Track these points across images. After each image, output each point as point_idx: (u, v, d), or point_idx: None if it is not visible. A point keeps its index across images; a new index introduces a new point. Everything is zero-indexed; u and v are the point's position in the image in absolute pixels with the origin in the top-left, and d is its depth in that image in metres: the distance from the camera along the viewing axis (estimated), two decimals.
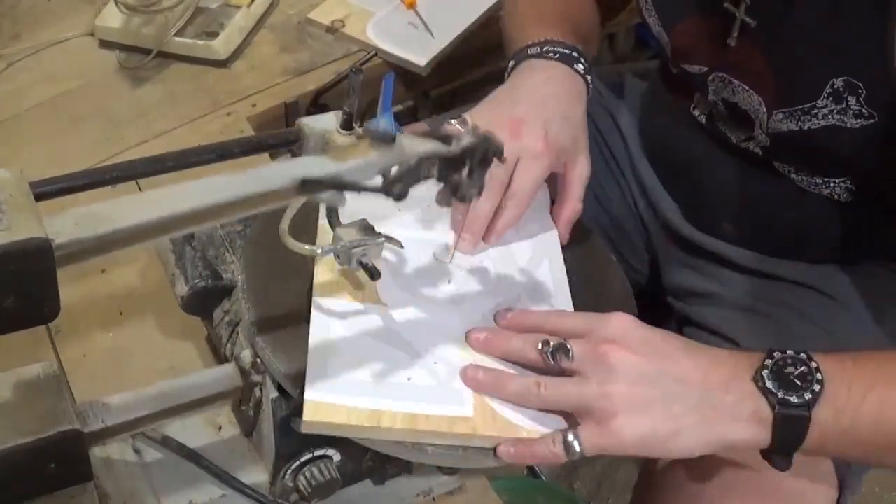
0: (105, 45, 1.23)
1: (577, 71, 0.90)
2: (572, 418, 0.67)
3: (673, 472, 0.90)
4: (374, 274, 0.68)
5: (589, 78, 0.92)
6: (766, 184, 0.95)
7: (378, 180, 0.62)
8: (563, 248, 0.83)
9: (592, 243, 0.88)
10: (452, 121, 0.83)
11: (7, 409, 0.62)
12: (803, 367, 0.65)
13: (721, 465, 0.86)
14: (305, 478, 0.72)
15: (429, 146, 0.64)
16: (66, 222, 0.52)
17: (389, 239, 0.72)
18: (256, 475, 0.74)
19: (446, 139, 0.65)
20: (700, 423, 0.65)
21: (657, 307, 1.07)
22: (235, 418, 0.77)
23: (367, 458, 0.75)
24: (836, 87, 0.80)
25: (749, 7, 0.84)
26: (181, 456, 0.73)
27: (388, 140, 0.62)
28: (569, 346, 0.67)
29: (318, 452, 0.72)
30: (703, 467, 0.87)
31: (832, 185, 0.91)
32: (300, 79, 1.21)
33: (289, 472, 0.73)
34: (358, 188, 0.61)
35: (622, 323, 0.68)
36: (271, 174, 0.60)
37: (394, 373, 0.68)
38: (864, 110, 0.80)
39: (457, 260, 0.79)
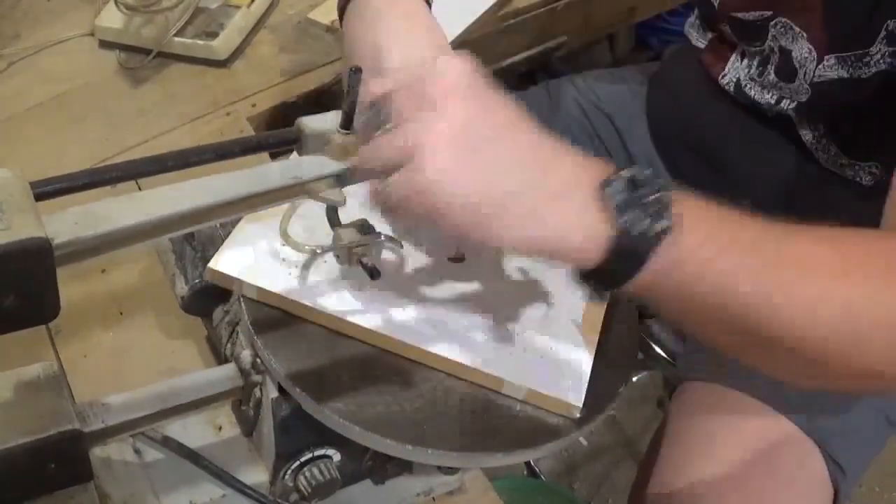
0: (105, 45, 1.23)
1: None
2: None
3: (667, 479, 0.90)
4: (373, 274, 0.68)
5: None
6: (790, 162, 0.94)
7: None
8: None
9: None
10: None
11: (7, 409, 0.62)
12: (659, 194, 0.53)
13: (715, 473, 0.87)
14: (305, 478, 0.72)
15: None
16: (65, 222, 0.52)
17: (389, 239, 0.72)
18: (256, 475, 0.74)
19: None
20: (528, 211, 0.53)
21: None
22: (235, 418, 0.77)
23: (367, 458, 0.75)
24: (890, 28, 0.81)
25: None
26: (181, 456, 0.73)
27: None
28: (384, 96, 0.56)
29: (318, 452, 0.72)
30: (697, 475, 0.87)
31: (857, 167, 0.90)
32: (300, 79, 1.21)
33: (289, 472, 0.73)
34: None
35: (462, 65, 0.54)
36: (271, 174, 0.60)
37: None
38: None
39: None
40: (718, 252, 0.55)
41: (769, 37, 0.92)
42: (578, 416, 0.69)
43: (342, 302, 0.71)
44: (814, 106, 0.90)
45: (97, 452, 0.72)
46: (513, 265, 0.78)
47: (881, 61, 0.83)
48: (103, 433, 0.66)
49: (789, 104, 0.92)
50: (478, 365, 0.69)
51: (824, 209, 0.95)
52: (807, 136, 0.92)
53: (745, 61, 0.95)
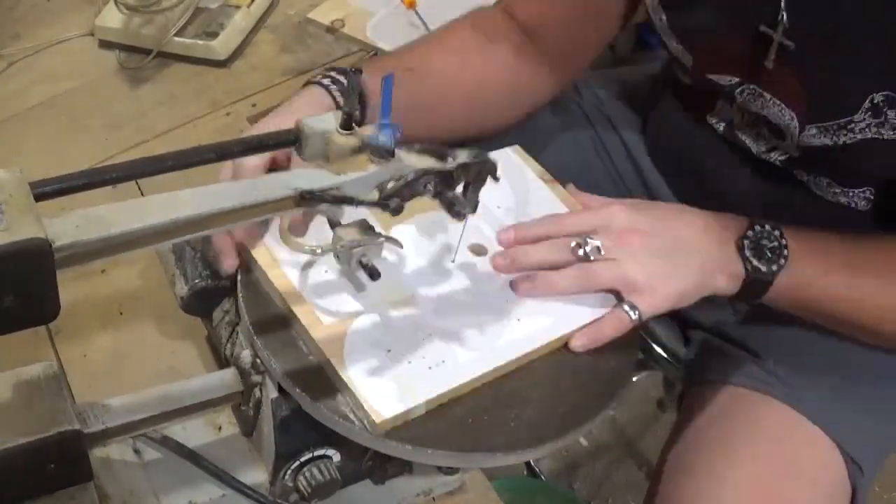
0: (105, 45, 1.23)
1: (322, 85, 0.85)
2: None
3: (686, 482, 0.89)
4: (373, 274, 0.68)
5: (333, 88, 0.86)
6: (783, 192, 0.93)
7: (374, 194, 0.62)
8: None
9: None
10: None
11: (7, 409, 0.62)
12: (776, 243, 0.80)
13: (736, 475, 0.86)
14: (305, 478, 0.72)
15: (426, 161, 0.64)
16: (66, 225, 0.52)
17: (389, 239, 0.72)
18: (256, 475, 0.74)
19: (442, 155, 0.65)
20: (705, 277, 0.79)
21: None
22: (235, 418, 0.77)
23: (367, 458, 0.75)
24: (875, 101, 0.79)
25: (787, 29, 0.82)
26: (181, 456, 0.73)
27: (387, 154, 0.62)
28: (598, 243, 0.77)
29: (318, 452, 0.72)
30: (718, 477, 0.87)
31: (851, 194, 0.90)
32: (300, 79, 1.21)
33: (289, 472, 0.73)
34: (355, 202, 0.62)
35: (625, 212, 0.79)
36: (271, 185, 0.60)
37: (426, 357, 0.70)
38: None
39: (459, 260, 0.79)
40: (820, 274, 0.81)
41: (737, 103, 0.92)
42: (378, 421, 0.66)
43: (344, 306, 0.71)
44: (804, 162, 0.90)
45: (97, 452, 0.72)
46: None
47: (867, 130, 0.81)
48: (103, 434, 0.66)
49: (781, 154, 0.92)
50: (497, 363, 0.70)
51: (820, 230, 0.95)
52: (800, 174, 0.92)
53: (735, 107, 0.95)
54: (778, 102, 0.87)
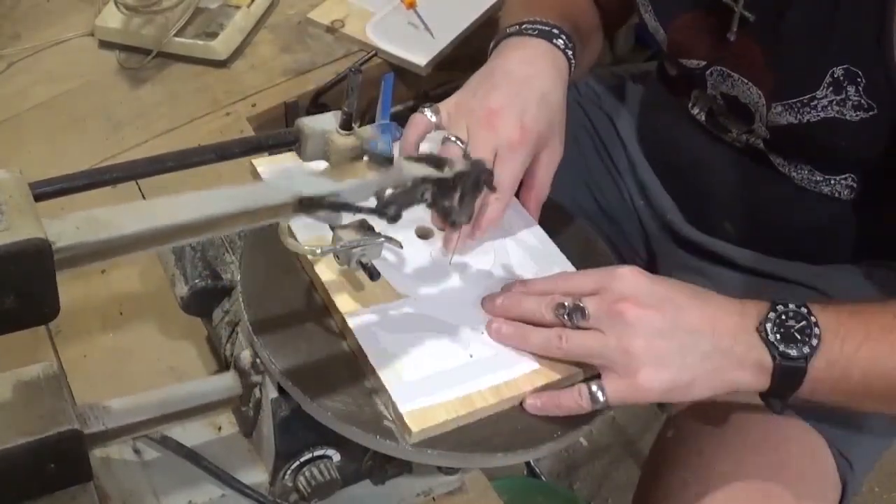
0: (105, 45, 1.23)
1: (556, 46, 0.87)
2: (587, 366, 0.70)
3: (676, 479, 0.90)
4: (373, 274, 0.68)
5: (570, 53, 0.88)
6: (767, 183, 0.95)
7: (372, 201, 0.63)
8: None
9: (576, 224, 0.88)
10: (425, 110, 0.81)
11: (7, 409, 0.62)
12: (803, 322, 0.70)
13: (725, 471, 0.86)
14: (305, 478, 0.72)
15: (424, 169, 0.65)
16: (66, 226, 0.52)
17: (389, 239, 0.72)
18: (256, 475, 0.74)
19: (440, 164, 0.65)
20: (713, 371, 0.69)
21: None
22: (235, 418, 0.77)
23: (367, 458, 0.75)
24: (836, 76, 0.80)
25: (747, 1, 0.84)
26: (181, 456, 0.73)
27: (385, 162, 0.63)
28: (583, 306, 0.69)
29: (318, 452, 0.72)
30: (707, 474, 0.87)
31: (833, 182, 0.91)
32: (300, 79, 1.21)
33: (289, 472, 0.73)
34: (353, 209, 0.62)
35: (631, 277, 0.70)
36: (271, 190, 0.60)
37: (456, 355, 0.70)
38: (863, 101, 0.80)
39: (456, 259, 0.79)
40: (857, 347, 0.70)
41: (709, 85, 0.93)
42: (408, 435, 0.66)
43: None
44: (777, 142, 0.90)
45: (97, 452, 0.72)
46: (516, 271, 0.78)
47: (829, 107, 0.82)
48: (103, 435, 0.66)
49: (755, 138, 0.93)
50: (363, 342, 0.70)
51: (806, 222, 0.95)
52: (777, 160, 0.93)
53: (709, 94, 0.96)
54: (746, 81, 0.88)
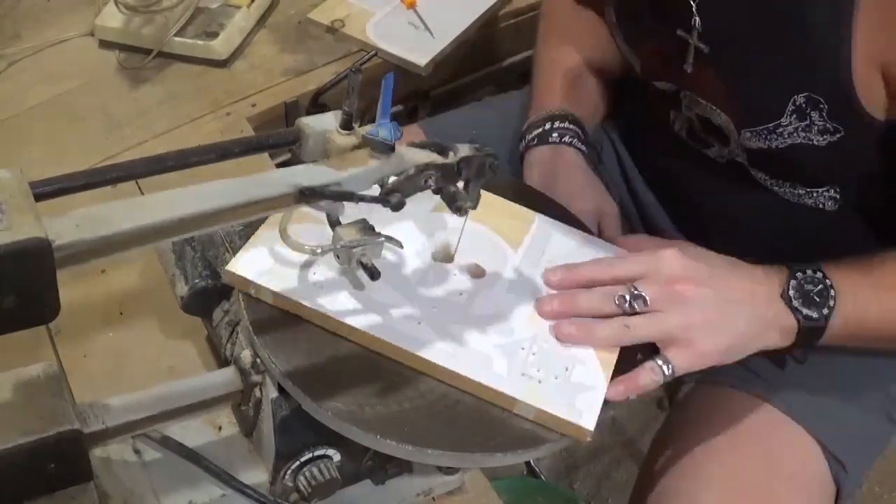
0: (105, 45, 1.23)
1: (572, 146, 0.98)
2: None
3: (670, 481, 0.90)
4: (374, 274, 0.68)
5: (584, 148, 1.00)
6: (752, 194, 0.95)
7: (375, 189, 0.62)
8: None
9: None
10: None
11: (7, 409, 0.62)
12: (820, 286, 0.78)
13: (718, 474, 0.87)
14: (305, 478, 0.72)
15: (426, 156, 0.64)
16: (66, 224, 0.52)
17: (389, 239, 0.71)
18: (256, 475, 0.74)
19: (443, 150, 0.65)
20: (755, 335, 0.77)
21: None
22: (235, 418, 0.77)
23: (367, 458, 0.75)
24: (798, 103, 0.81)
25: (701, 34, 0.84)
26: (181, 456, 0.73)
27: (387, 149, 0.62)
28: (642, 293, 0.74)
29: (318, 452, 0.72)
30: (701, 476, 0.87)
31: (815, 195, 0.91)
32: (300, 79, 1.21)
33: (289, 472, 0.73)
34: (356, 198, 0.62)
35: (678, 259, 0.76)
36: (271, 181, 0.60)
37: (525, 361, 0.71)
38: (828, 125, 0.81)
39: (457, 260, 0.78)
40: (872, 300, 0.79)
41: (683, 106, 0.94)
42: (589, 439, 0.68)
43: (362, 313, 0.71)
44: (755, 161, 0.91)
45: (97, 452, 0.72)
46: (528, 284, 0.77)
47: (795, 134, 0.82)
48: (103, 434, 0.66)
49: (735, 156, 0.93)
50: (490, 383, 0.69)
51: (792, 234, 0.95)
52: (759, 175, 0.93)
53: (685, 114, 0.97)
54: (713, 108, 0.89)
